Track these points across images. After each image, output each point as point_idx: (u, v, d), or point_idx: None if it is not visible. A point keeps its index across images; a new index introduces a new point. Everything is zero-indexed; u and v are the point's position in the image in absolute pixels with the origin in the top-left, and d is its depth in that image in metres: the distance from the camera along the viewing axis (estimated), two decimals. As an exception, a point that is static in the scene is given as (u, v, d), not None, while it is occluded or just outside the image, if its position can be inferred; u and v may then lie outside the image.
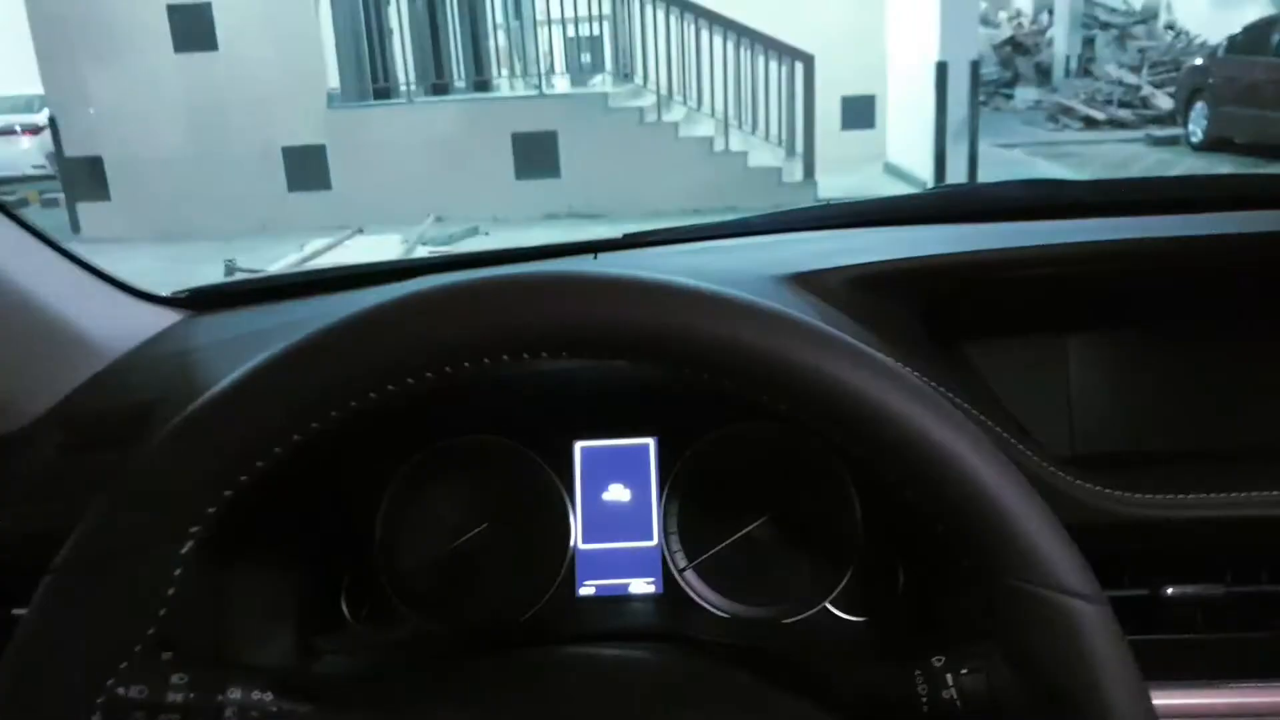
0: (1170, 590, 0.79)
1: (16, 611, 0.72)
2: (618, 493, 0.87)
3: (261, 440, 0.49)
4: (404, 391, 0.49)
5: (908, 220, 1.01)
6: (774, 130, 8.50)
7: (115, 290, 0.88)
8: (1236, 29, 11.36)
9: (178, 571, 0.49)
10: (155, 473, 0.49)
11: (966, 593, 0.53)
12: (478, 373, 0.49)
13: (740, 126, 8.57)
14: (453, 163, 8.48)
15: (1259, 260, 0.85)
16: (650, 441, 0.86)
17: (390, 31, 8.86)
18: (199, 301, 0.97)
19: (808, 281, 0.82)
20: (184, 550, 0.49)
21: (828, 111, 9.77)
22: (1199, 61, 12.11)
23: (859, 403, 0.47)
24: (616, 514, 0.86)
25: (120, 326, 0.86)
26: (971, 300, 0.84)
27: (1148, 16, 19.25)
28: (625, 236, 1.03)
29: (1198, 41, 16.35)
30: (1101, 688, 0.45)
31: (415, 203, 8.37)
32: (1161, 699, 0.64)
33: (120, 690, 0.49)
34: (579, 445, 0.87)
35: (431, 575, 0.85)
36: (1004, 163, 10.32)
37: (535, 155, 8.53)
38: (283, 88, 8.48)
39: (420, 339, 0.48)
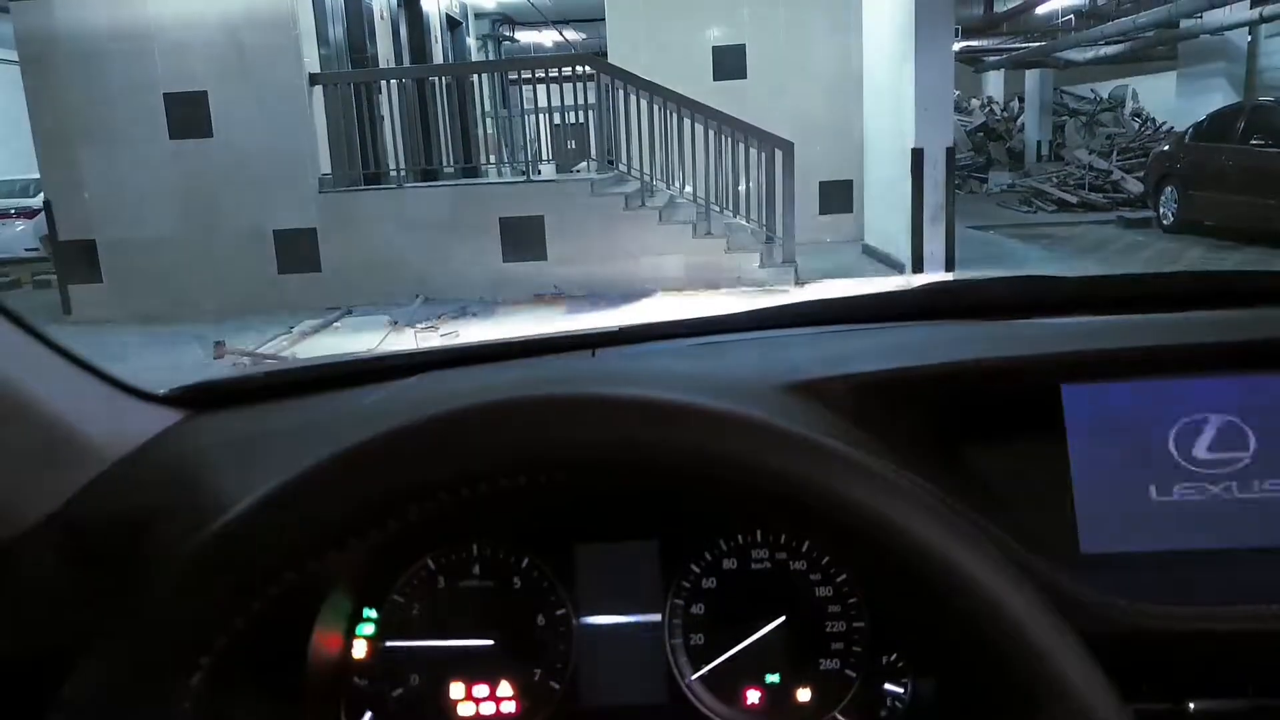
0: (1194, 705, 0.75)
1: None
2: (622, 598, 0.84)
3: (272, 569, 0.48)
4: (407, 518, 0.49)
5: (899, 317, 1.00)
6: (754, 214, 8.67)
7: (112, 389, 0.84)
8: (1201, 116, 11.66)
9: (186, 704, 0.48)
10: (166, 605, 0.48)
11: (989, 716, 0.52)
12: (495, 491, 0.49)
13: (722, 210, 8.72)
14: (442, 246, 8.59)
15: (1255, 362, 0.84)
16: (656, 545, 0.84)
17: (381, 119, 9.02)
18: (196, 399, 0.93)
19: (813, 390, 0.80)
20: (193, 682, 0.48)
21: (806, 196, 9.98)
22: (1167, 147, 12.38)
23: (902, 541, 0.48)
24: (620, 620, 0.84)
25: (117, 427, 0.82)
26: (972, 404, 0.83)
27: (1115, 104, 19.77)
28: (621, 330, 1.01)
29: (1164, 128, 16.81)
30: None
31: (404, 285, 8.48)
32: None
33: None
34: (580, 549, 0.84)
35: (434, 686, 0.83)
36: (979, 244, 10.48)
37: (522, 239, 8.63)
38: (275, 173, 8.59)
39: (439, 463, 0.48)
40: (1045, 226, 12.52)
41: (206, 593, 0.48)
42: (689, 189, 8.74)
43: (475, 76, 9.74)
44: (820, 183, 10.83)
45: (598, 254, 8.55)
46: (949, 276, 8.36)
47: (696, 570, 0.84)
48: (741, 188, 8.64)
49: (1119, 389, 0.83)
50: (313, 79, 8.68)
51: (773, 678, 0.83)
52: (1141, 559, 0.81)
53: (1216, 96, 14.22)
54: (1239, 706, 0.75)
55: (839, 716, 0.82)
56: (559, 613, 0.84)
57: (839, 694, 0.82)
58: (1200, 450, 0.82)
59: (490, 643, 0.83)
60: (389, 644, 0.83)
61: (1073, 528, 0.81)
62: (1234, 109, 11.43)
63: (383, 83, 9.13)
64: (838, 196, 11.04)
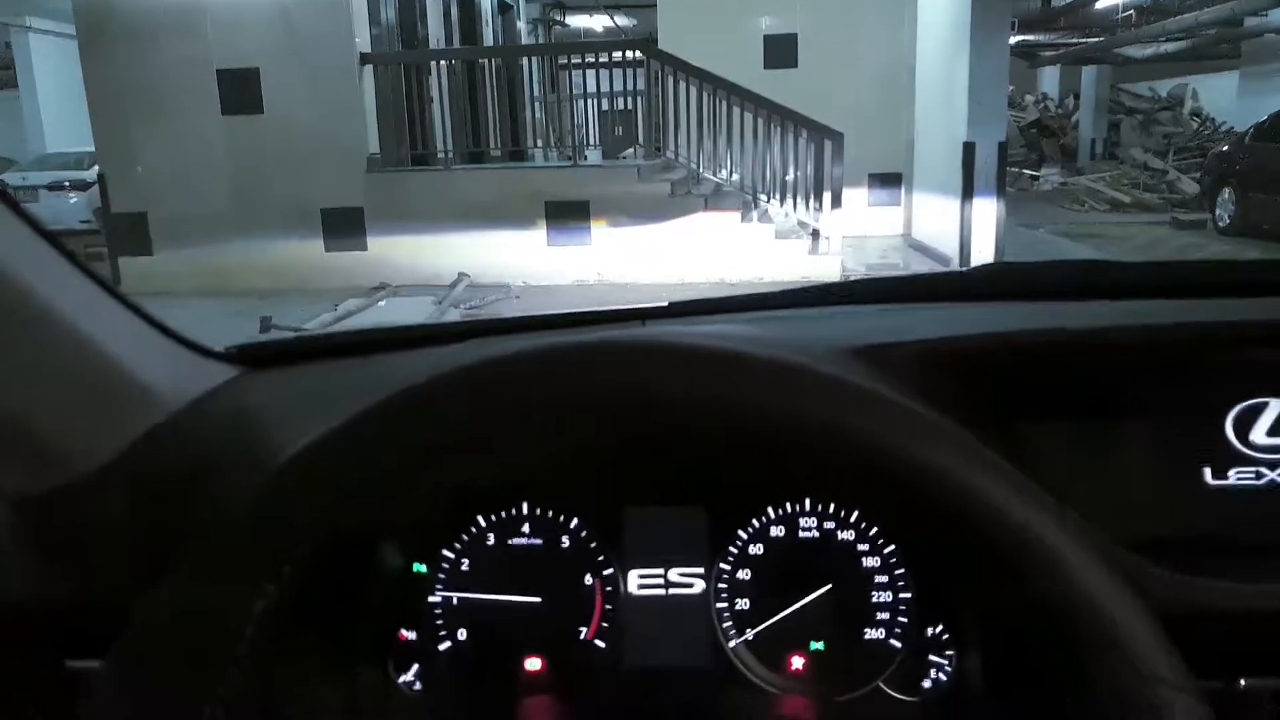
0: (1244, 682, 0.75)
1: (72, 664, 0.72)
2: (669, 561, 0.85)
3: (341, 501, 0.49)
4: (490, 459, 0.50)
5: (955, 297, 0.99)
6: (801, 204, 8.59)
7: (171, 342, 0.85)
8: (1262, 117, 11.44)
9: (249, 630, 0.49)
10: (236, 531, 0.49)
11: (1041, 680, 0.52)
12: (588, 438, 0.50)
13: (769, 200, 8.67)
14: (487, 228, 8.61)
15: None
16: (704, 509, 0.85)
17: (430, 100, 9.04)
18: (252, 357, 0.94)
19: (877, 355, 0.79)
20: (258, 608, 0.49)
21: (855, 188, 9.89)
22: (1226, 148, 12.17)
23: (986, 511, 0.48)
24: (666, 583, 0.85)
25: (177, 379, 0.83)
26: (1030, 382, 0.83)
27: (1173, 103, 19.40)
28: (671, 304, 1.01)
29: (1224, 128, 16.47)
30: None
31: (449, 265, 8.51)
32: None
33: None
34: (629, 511, 0.85)
35: (481, 641, 0.85)
36: (1029, 242, 10.37)
37: (568, 223, 8.64)
38: (324, 151, 8.63)
39: (527, 397, 0.48)
40: (1096, 226, 12.32)
41: (279, 516, 0.48)
42: (736, 177, 8.68)
43: (524, 60, 9.75)
44: (869, 175, 10.73)
45: (643, 240, 8.53)
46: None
47: (744, 536, 0.84)
48: (789, 177, 8.56)
49: (1177, 371, 0.82)
50: (363, 59, 8.72)
51: (817, 645, 0.83)
52: (1194, 542, 0.80)
53: (1279, 97, 13.90)
54: None
55: (882, 686, 0.83)
56: (606, 573, 0.85)
57: (883, 664, 0.83)
58: (1259, 435, 0.81)
59: (538, 600, 0.84)
60: (438, 599, 0.84)
61: (1126, 509, 0.80)
62: (1298, 110, 11.16)
63: (432, 64, 9.15)
64: (886, 189, 10.95)
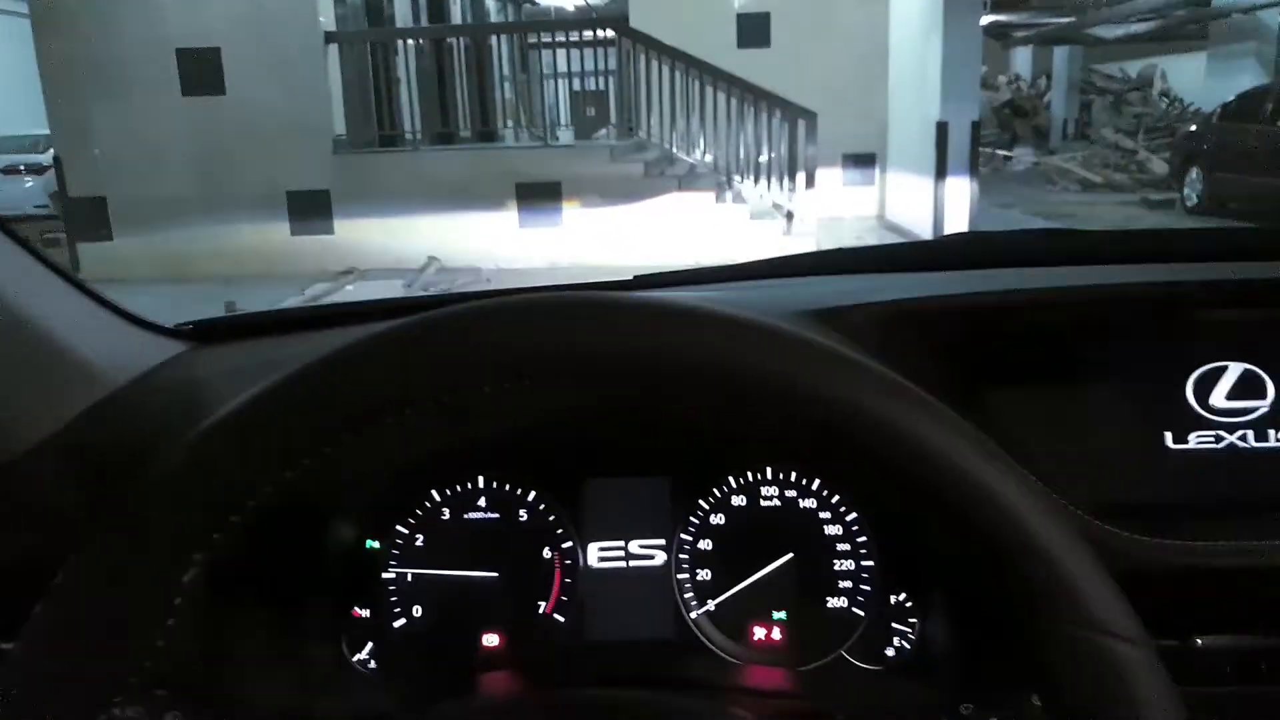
0: (1201, 640, 0.77)
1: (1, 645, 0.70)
2: (629, 533, 0.85)
3: (271, 465, 0.46)
4: (424, 415, 0.46)
5: (924, 266, 0.99)
6: (776, 184, 8.54)
7: (119, 319, 0.85)
8: (1230, 97, 11.55)
9: (177, 600, 0.46)
10: (159, 497, 0.47)
11: (998, 640, 0.52)
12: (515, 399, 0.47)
13: (743, 180, 8.62)
14: (457, 210, 8.50)
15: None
16: (665, 480, 0.85)
17: (397, 80, 8.92)
18: (202, 334, 0.94)
19: (832, 318, 0.79)
20: (186, 577, 0.46)
21: (829, 168, 9.86)
22: (1193, 128, 12.30)
23: (932, 459, 0.46)
24: (626, 555, 0.85)
25: (123, 355, 0.83)
26: (992, 344, 0.83)
27: (1143, 84, 19.58)
28: (636, 278, 1.01)
29: (1192, 109, 16.61)
30: None
31: (418, 249, 8.39)
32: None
33: (115, 713, 0.47)
34: (589, 484, 0.85)
35: (437, 618, 0.84)
36: (1002, 222, 10.44)
37: (539, 205, 8.56)
38: (289, 133, 8.49)
39: (442, 360, 0.46)
40: (1069, 206, 12.40)
41: (199, 485, 0.47)
42: (710, 158, 8.61)
43: (494, 39, 9.61)
44: (843, 155, 10.71)
45: (616, 221, 8.45)
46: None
47: (705, 506, 0.84)
48: (764, 158, 8.50)
49: (1139, 333, 0.83)
50: (328, 37, 8.58)
51: (779, 615, 0.84)
52: (1155, 504, 0.81)
53: (1246, 77, 14.01)
54: (1245, 643, 0.77)
55: (846, 655, 0.83)
56: (565, 546, 0.84)
57: (846, 633, 0.83)
58: (1218, 398, 0.82)
59: (494, 575, 0.84)
60: (392, 575, 0.84)
61: (1088, 473, 0.81)
62: (1263, 90, 11.28)
63: (399, 43, 9.00)
64: (860, 170, 10.92)
